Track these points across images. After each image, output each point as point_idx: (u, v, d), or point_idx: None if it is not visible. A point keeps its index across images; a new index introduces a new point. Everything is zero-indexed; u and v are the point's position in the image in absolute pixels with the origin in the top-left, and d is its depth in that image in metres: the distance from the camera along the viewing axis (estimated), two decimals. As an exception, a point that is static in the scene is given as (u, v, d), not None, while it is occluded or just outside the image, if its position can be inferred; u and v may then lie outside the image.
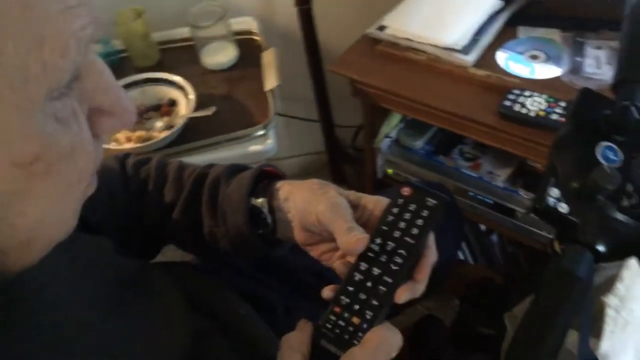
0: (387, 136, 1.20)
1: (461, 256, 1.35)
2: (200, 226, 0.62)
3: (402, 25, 0.99)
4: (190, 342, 0.50)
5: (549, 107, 0.82)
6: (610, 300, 0.66)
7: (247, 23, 1.17)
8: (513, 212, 1.09)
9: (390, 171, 1.25)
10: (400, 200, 0.49)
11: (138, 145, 0.92)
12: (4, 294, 0.36)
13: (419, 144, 1.19)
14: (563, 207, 0.52)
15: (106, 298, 0.47)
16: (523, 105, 0.83)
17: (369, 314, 0.45)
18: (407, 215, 0.48)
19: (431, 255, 0.48)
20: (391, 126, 1.20)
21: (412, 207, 0.48)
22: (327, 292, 0.48)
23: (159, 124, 0.97)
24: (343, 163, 1.57)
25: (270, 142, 0.97)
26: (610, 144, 0.52)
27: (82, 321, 0.42)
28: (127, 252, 0.56)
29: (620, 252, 0.53)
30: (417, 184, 0.49)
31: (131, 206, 0.64)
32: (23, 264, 0.34)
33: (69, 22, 0.28)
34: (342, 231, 0.48)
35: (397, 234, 0.47)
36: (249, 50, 1.12)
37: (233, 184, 0.59)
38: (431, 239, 0.49)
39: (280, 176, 0.61)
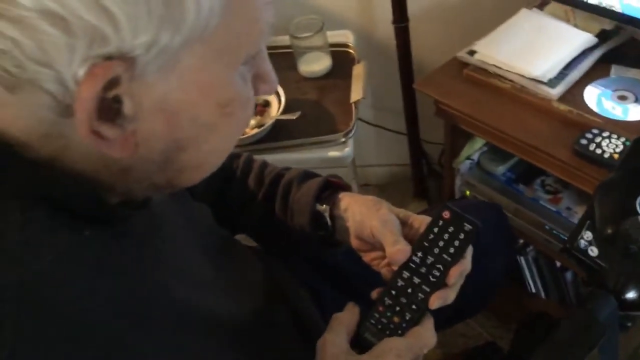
0: (468, 158, 1.22)
1: (533, 289, 1.32)
2: (273, 218, 0.71)
3: (492, 52, 1.00)
4: (267, 307, 0.60)
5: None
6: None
7: (344, 36, 1.24)
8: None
9: (468, 193, 1.27)
10: (441, 222, 0.55)
11: (230, 138, 1.03)
12: (150, 220, 0.48)
13: (500, 169, 1.19)
14: (594, 251, 0.53)
15: (207, 248, 0.58)
16: (599, 146, 0.82)
17: (407, 315, 0.53)
18: (446, 236, 0.55)
19: (464, 264, 0.55)
20: (474, 148, 1.21)
21: (451, 229, 0.55)
22: (374, 293, 0.57)
23: (252, 121, 1.07)
24: (427, 178, 1.59)
25: (348, 150, 1.03)
26: (651, 196, 0.52)
27: (191, 256, 0.53)
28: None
29: (650, 304, 0.53)
30: (455, 210, 0.55)
31: (221, 189, 0.75)
32: (188, 182, 0.45)
33: (268, 11, 0.39)
34: (389, 243, 0.57)
35: (436, 250, 0.54)
36: (343, 62, 1.19)
37: (303, 188, 0.69)
38: (469, 252, 0.56)
39: (343, 187, 0.69)
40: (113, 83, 0.34)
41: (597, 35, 0.98)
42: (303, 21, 1.14)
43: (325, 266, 0.82)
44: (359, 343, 0.53)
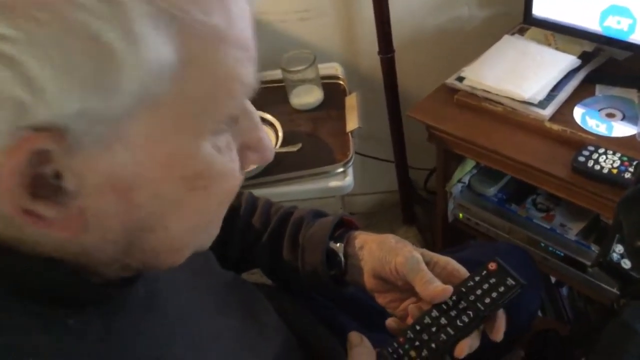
0: (459, 181, 1.24)
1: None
2: (281, 257, 0.69)
3: (480, 77, 1.04)
4: (279, 351, 0.57)
5: (622, 165, 0.84)
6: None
7: (333, 68, 1.26)
8: (584, 266, 1.09)
9: (461, 215, 1.29)
10: (485, 272, 0.55)
11: (230, 174, 1.02)
12: (147, 285, 0.45)
13: (491, 191, 1.22)
14: (627, 264, 0.54)
15: (218, 299, 0.55)
16: (596, 162, 0.85)
17: (424, 353, 0.52)
18: (486, 286, 0.54)
19: (502, 318, 0.54)
20: (464, 171, 1.24)
21: (493, 280, 0.55)
22: (390, 322, 0.57)
23: (249, 156, 1.06)
24: (414, 204, 1.61)
25: (348, 179, 1.04)
26: (675, 206, 0.54)
27: (194, 318, 0.50)
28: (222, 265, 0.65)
29: (683, 311, 0.54)
30: (503, 263, 0.56)
31: (224, 229, 0.73)
32: (170, 264, 0.41)
33: (239, 73, 0.35)
34: (423, 282, 0.55)
35: (472, 297, 0.54)
36: (333, 93, 1.20)
37: (315, 225, 0.67)
38: (501, 312, 0.55)
39: (356, 225, 0.68)
40: (44, 156, 0.30)
41: (579, 57, 1.03)
42: (294, 55, 1.16)
43: (343, 298, 0.81)
44: None
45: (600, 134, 0.92)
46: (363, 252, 0.62)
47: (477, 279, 0.55)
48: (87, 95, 0.29)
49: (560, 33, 1.07)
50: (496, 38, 1.12)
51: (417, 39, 1.32)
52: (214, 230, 0.43)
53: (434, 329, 0.53)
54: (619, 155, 0.85)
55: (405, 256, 0.57)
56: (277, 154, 1.05)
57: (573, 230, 1.10)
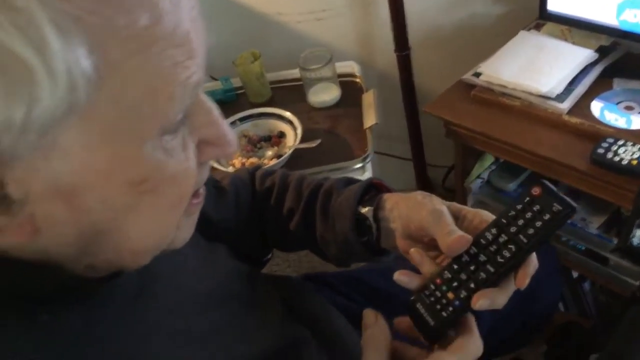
0: (479, 177, 1.24)
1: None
2: (315, 231, 0.67)
3: (497, 72, 1.04)
4: (285, 348, 0.56)
5: (642, 156, 0.83)
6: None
7: (350, 66, 1.27)
8: (605, 260, 1.08)
9: (479, 211, 1.28)
10: (527, 199, 0.48)
11: (250, 171, 1.04)
12: (141, 278, 0.46)
13: (511, 186, 1.22)
14: (646, 248, 0.55)
15: (209, 293, 0.55)
16: (616, 154, 0.85)
17: (463, 294, 0.47)
18: (529, 215, 0.47)
19: (533, 261, 0.48)
20: (483, 167, 1.24)
21: (536, 207, 0.47)
22: (398, 275, 0.52)
23: (269, 152, 1.08)
24: (433, 201, 1.61)
25: (367, 175, 1.05)
26: (696, 191, 0.55)
27: (186, 312, 0.50)
28: (238, 256, 0.64)
29: None
30: (549, 186, 0.48)
31: (255, 210, 0.72)
32: (135, 264, 0.41)
33: (177, 74, 0.33)
34: (443, 234, 0.50)
35: (513, 229, 0.47)
36: (350, 91, 1.22)
37: (344, 193, 0.64)
38: (532, 257, 0.48)
39: (388, 189, 0.65)
40: None
41: (596, 51, 1.03)
42: (311, 53, 1.17)
43: (368, 290, 0.81)
44: (409, 310, 0.50)
45: (619, 126, 0.92)
46: (394, 214, 0.58)
47: (519, 207, 0.47)
48: (8, 106, 0.29)
49: (576, 28, 1.07)
50: (512, 34, 1.13)
51: (433, 36, 1.33)
52: (172, 230, 0.41)
53: (472, 268, 0.48)
54: (638, 146, 0.85)
55: (429, 210, 0.53)
56: (296, 150, 1.07)
57: (594, 224, 1.09)
